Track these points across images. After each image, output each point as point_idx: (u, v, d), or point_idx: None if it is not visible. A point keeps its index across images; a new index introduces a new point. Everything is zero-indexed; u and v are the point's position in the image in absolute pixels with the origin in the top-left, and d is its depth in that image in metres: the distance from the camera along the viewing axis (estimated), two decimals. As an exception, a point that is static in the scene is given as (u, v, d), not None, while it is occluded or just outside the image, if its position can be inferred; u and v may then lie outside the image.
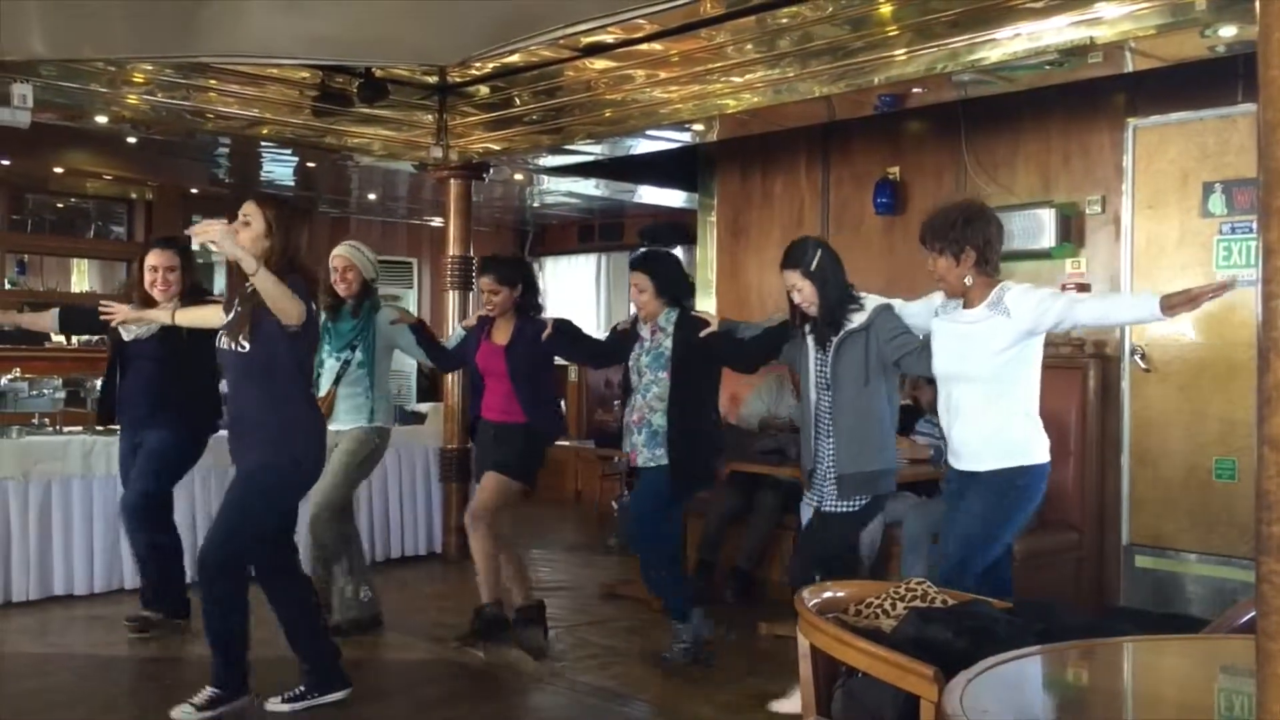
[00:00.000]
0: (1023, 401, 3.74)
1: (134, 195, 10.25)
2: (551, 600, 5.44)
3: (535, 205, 11.14)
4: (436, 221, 11.14)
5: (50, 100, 5.81)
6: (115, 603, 5.75)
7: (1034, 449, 3.75)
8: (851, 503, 4.10)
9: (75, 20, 5.15)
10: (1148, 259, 5.67)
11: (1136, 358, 5.67)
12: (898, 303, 4.11)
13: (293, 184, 9.81)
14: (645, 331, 4.74)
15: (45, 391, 5.99)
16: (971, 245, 3.69)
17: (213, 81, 6.20)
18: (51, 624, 5.40)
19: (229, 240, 3.69)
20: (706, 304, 7.66)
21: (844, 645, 2.48)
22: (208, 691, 4.01)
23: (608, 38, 5.54)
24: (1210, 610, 5.20)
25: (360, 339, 5.12)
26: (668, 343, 4.65)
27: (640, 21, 5.24)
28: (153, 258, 4.96)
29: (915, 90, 5.43)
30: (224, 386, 4.19)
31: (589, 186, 9.31)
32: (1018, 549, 5.12)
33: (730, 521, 6.10)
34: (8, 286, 9.74)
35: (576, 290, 12.46)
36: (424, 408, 7.79)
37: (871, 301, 4.09)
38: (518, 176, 8.70)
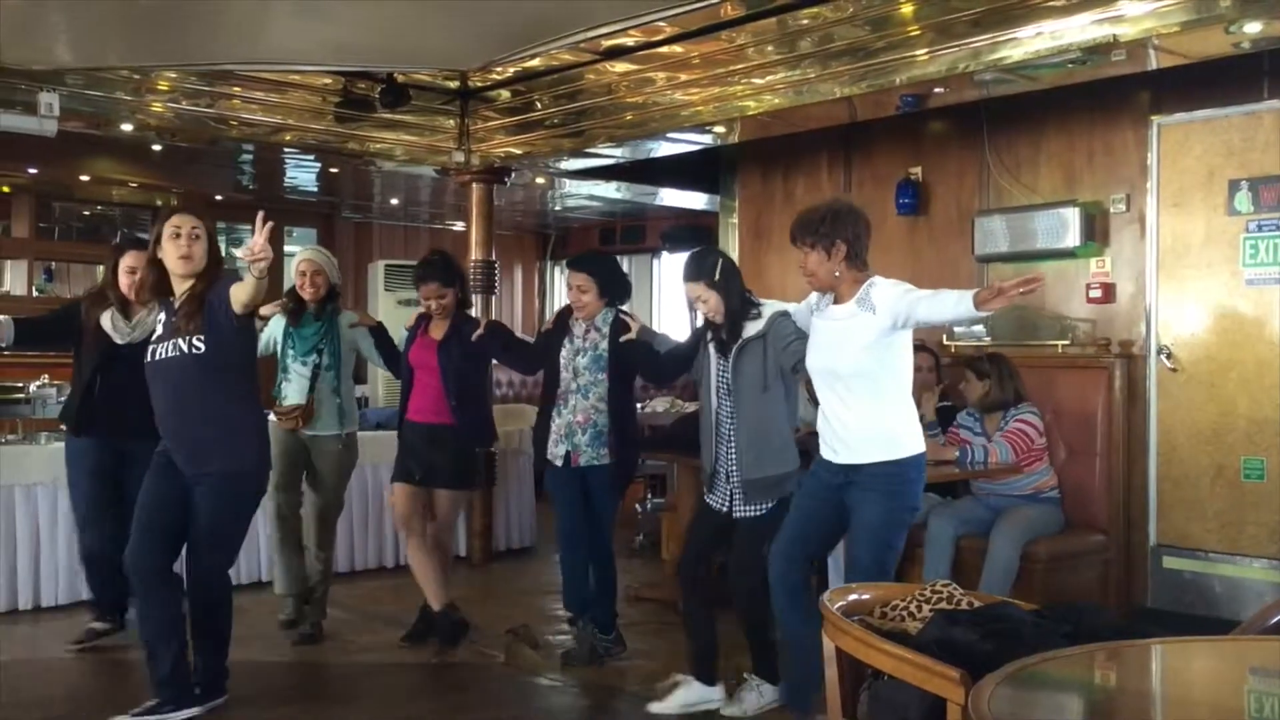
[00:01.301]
0: (895, 393, 3.78)
1: (159, 202, 10.30)
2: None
3: (557, 209, 11.16)
4: (459, 226, 11.17)
5: (76, 109, 5.87)
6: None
7: (909, 441, 3.78)
8: (759, 507, 4.13)
9: (100, 29, 5.19)
10: (1173, 258, 5.63)
11: (1163, 357, 5.63)
12: (793, 306, 4.15)
13: (315, 189, 9.86)
14: (578, 330, 4.79)
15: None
16: (841, 239, 3.74)
17: (236, 89, 6.25)
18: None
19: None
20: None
21: (869, 648, 2.47)
22: (204, 707, 4.06)
23: (628, 41, 5.54)
24: (1239, 611, 5.15)
25: (325, 343, 5.14)
26: (604, 344, 4.72)
27: (661, 24, 5.24)
28: (130, 259, 4.80)
29: (937, 90, 5.41)
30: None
31: (610, 189, 9.32)
32: (1044, 551, 5.12)
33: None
34: (35, 294, 9.82)
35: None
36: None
37: (769, 308, 4.15)
38: (539, 180, 8.72)
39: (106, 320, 4.82)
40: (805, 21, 5.04)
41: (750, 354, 4.10)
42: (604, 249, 12.02)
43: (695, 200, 9.52)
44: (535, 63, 6.05)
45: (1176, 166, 5.63)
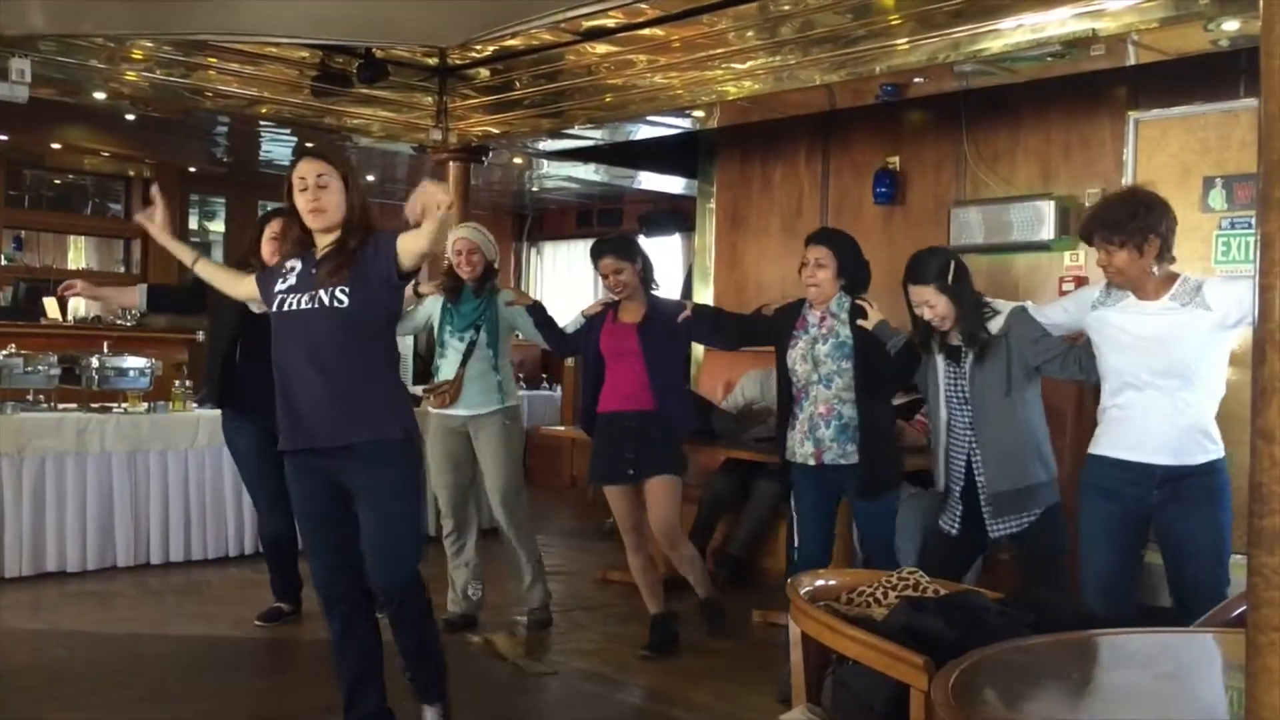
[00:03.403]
0: (1213, 399, 3.58)
1: (132, 173, 10.22)
2: (551, 585, 5.40)
3: (534, 189, 11.12)
4: (435, 204, 11.11)
5: (49, 76, 5.78)
6: (108, 579, 5.77)
7: (1221, 444, 3.59)
8: (1016, 522, 3.78)
9: (74, -5, 5.13)
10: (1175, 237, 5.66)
11: (1133, 351, 5.66)
12: (1032, 305, 3.91)
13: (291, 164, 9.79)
14: (813, 317, 4.25)
15: (40, 368, 5.95)
16: (1155, 234, 3.47)
17: (212, 60, 6.17)
18: (44, 600, 5.40)
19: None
20: (704, 292, 7.66)
21: (835, 633, 2.48)
22: (436, 709, 3.53)
23: (609, 22, 5.52)
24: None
25: (484, 320, 4.93)
26: (845, 330, 4.17)
27: (642, 6, 5.22)
28: (275, 226, 4.57)
29: (916, 80, 5.41)
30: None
31: (588, 171, 9.29)
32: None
33: (724, 508, 6.10)
34: (4, 262, 9.72)
35: (573, 275, 12.44)
36: (416, 390, 7.78)
37: (1004, 307, 3.84)
38: (517, 160, 8.68)
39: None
40: (786, 7, 5.04)
41: (990, 357, 3.76)
42: (587, 232, 12.09)
43: (673, 184, 9.50)
44: (515, 42, 6.01)
45: (1152, 162, 5.66)
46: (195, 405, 6.29)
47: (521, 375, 10.47)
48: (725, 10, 5.20)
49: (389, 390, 3.39)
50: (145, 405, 6.16)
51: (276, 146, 8.94)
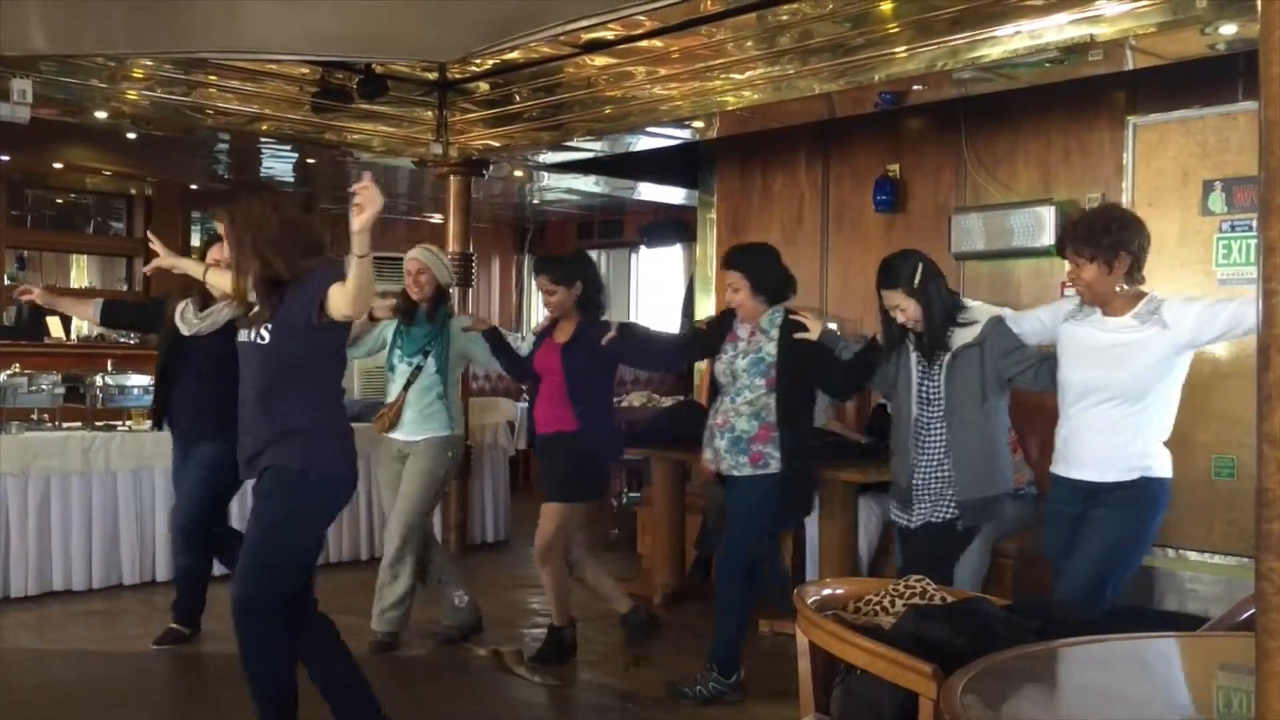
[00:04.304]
0: (1162, 417, 3.61)
1: (133, 191, 10.24)
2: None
3: (535, 202, 11.12)
4: (436, 218, 11.12)
5: (50, 95, 5.80)
6: (114, 598, 5.77)
7: (1163, 464, 3.63)
8: (955, 519, 3.86)
9: (75, 15, 5.15)
10: (1148, 257, 5.65)
11: (1136, 356, 5.66)
12: (1010, 313, 3.93)
13: (292, 180, 9.81)
14: (743, 332, 4.37)
15: (44, 387, 5.95)
16: (1126, 251, 3.50)
17: (212, 77, 6.20)
18: (50, 619, 5.40)
19: (375, 211, 3.08)
20: (706, 302, 7.66)
21: (843, 642, 2.48)
22: None
23: (608, 34, 5.53)
24: (1209, 608, 5.19)
25: (434, 345, 4.89)
26: (771, 347, 4.28)
27: (640, 18, 5.22)
28: (216, 252, 4.52)
29: (916, 87, 5.42)
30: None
31: (589, 183, 9.29)
32: (1015, 548, 5.14)
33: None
34: (7, 282, 9.73)
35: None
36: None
37: (982, 312, 3.88)
38: (517, 173, 8.69)
39: (179, 310, 4.72)
40: (785, 17, 5.05)
41: (965, 363, 3.80)
42: (587, 244, 12.09)
43: (673, 195, 9.50)
44: (514, 55, 6.03)
45: (1151, 166, 5.67)
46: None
47: (524, 388, 10.47)
48: (724, 21, 5.21)
49: (306, 423, 3.43)
50: (149, 423, 6.16)
51: (278, 163, 8.96)
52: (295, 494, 3.42)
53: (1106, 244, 3.49)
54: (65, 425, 6.07)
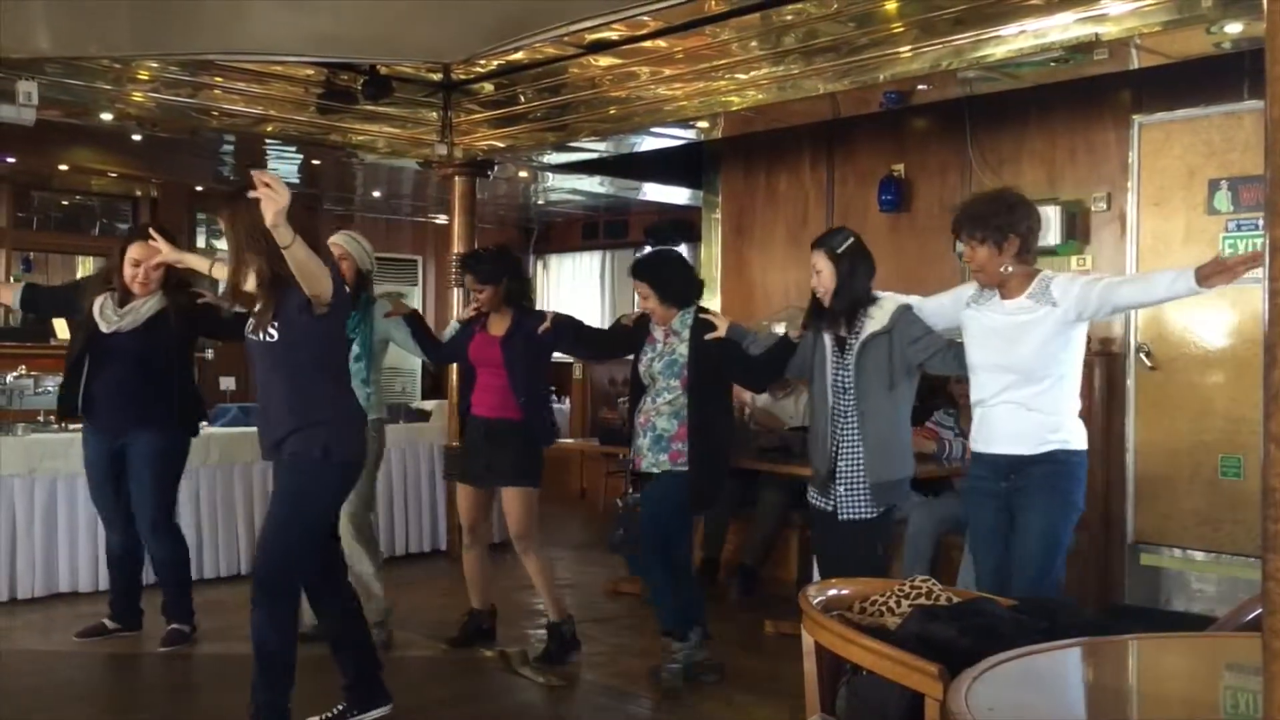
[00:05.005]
0: (1068, 389, 3.69)
1: (139, 192, 10.26)
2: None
3: (539, 202, 11.13)
4: (441, 219, 11.14)
5: (55, 97, 5.81)
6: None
7: (1076, 436, 3.71)
8: (871, 510, 3.97)
9: (80, 18, 5.15)
10: (1153, 256, 5.66)
11: (1142, 355, 5.66)
12: (916, 300, 4.02)
13: (298, 181, 9.82)
14: (659, 334, 4.53)
15: (50, 389, 5.95)
16: (1015, 233, 3.62)
17: (218, 79, 6.20)
18: (56, 621, 5.41)
19: (280, 206, 3.24)
20: (711, 302, 7.66)
21: (848, 643, 2.47)
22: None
23: (612, 35, 5.53)
24: (1215, 608, 5.19)
25: (356, 332, 4.88)
26: (683, 348, 4.43)
27: (645, 19, 5.22)
28: (136, 251, 4.71)
29: (920, 87, 5.42)
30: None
31: (593, 184, 9.30)
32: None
33: (733, 518, 6.10)
34: (12, 283, 9.75)
35: (580, 288, 12.45)
36: (428, 405, 7.80)
37: (891, 301, 3.98)
38: (522, 174, 8.70)
39: (98, 306, 4.73)
40: (789, 17, 5.04)
41: (874, 350, 3.93)
42: (591, 244, 12.11)
43: (678, 195, 9.51)
44: (519, 56, 6.03)
45: (1157, 165, 5.66)
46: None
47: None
48: (728, 21, 5.21)
49: (325, 412, 3.65)
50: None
51: (283, 164, 8.97)
52: (316, 478, 3.66)
53: (995, 225, 3.63)
54: (71, 427, 6.07)
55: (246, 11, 5.19)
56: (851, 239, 4.04)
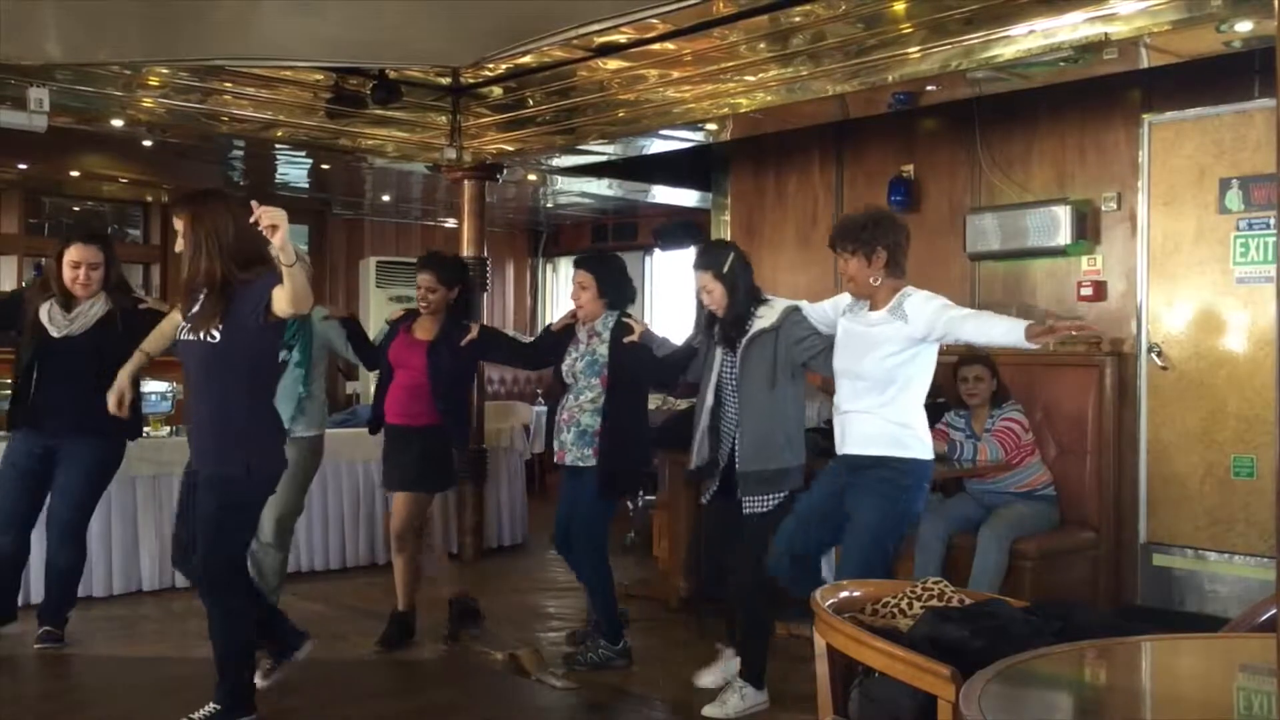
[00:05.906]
0: (909, 399, 3.88)
1: (149, 198, 10.29)
2: (566, 600, 5.44)
3: (549, 205, 11.14)
4: (450, 223, 11.15)
5: (66, 104, 5.84)
6: (134, 603, 5.79)
7: (914, 445, 3.88)
8: (764, 502, 4.16)
9: (91, 25, 5.17)
10: (1164, 255, 5.64)
11: (1153, 355, 5.64)
12: (805, 304, 4.22)
13: (307, 186, 9.85)
14: (582, 335, 4.73)
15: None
16: (882, 246, 3.84)
17: (227, 84, 6.22)
18: (71, 625, 5.42)
19: (285, 230, 3.43)
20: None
21: (860, 645, 2.47)
22: (208, 709, 3.85)
23: (620, 38, 5.53)
24: (1229, 609, 5.16)
25: (297, 339, 4.80)
26: (603, 349, 4.63)
27: (653, 21, 5.23)
28: (75, 253, 4.69)
29: (929, 88, 5.41)
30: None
31: (602, 186, 9.31)
32: (1034, 548, 5.13)
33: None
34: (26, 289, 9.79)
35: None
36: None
37: (780, 303, 4.21)
38: (531, 177, 8.71)
39: (44, 312, 4.72)
40: (797, 19, 5.04)
41: (759, 348, 4.15)
42: (601, 247, 12.11)
43: (687, 197, 9.51)
44: (527, 59, 6.04)
45: (1167, 165, 5.64)
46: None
47: (539, 392, 10.48)
48: (736, 23, 5.21)
49: (243, 425, 3.80)
50: (168, 429, 6.18)
51: (293, 169, 9.00)
52: (241, 489, 3.83)
53: (864, 239, 3.86)
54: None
55: (256, 17, 5.21)
56: (733, 255, 4.27)
